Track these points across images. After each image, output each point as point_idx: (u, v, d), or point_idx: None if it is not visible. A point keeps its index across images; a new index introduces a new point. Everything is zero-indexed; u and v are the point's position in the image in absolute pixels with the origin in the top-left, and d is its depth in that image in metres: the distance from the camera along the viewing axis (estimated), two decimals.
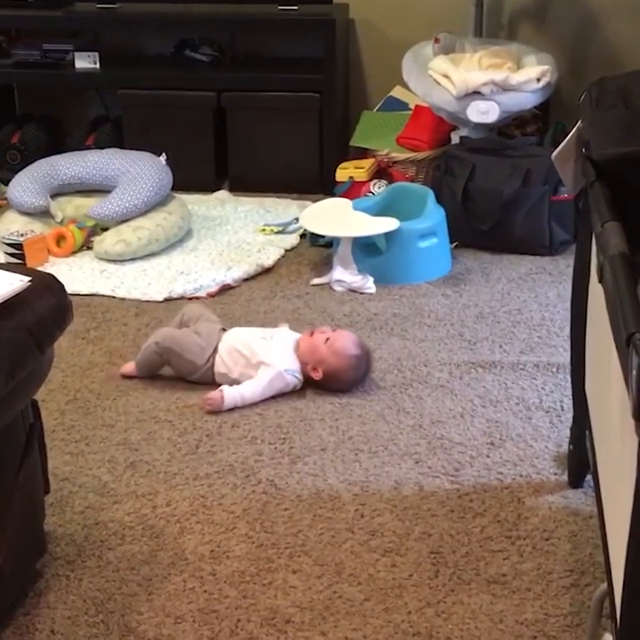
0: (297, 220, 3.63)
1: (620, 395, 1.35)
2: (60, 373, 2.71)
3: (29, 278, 1.73)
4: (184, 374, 2.65)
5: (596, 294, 1.71)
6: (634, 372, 1.12)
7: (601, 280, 1.43)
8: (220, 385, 2.59)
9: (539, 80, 3.64)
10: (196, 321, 2.73)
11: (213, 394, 2.52)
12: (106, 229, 3.52)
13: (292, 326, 2.92)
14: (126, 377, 2.68)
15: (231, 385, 2.58)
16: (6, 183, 3.72)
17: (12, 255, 3.37)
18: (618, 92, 1.81)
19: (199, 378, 2.64)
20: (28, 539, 1.90)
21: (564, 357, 2.57)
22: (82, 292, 3.19)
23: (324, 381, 2.61)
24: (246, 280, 3.32)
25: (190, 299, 3.17)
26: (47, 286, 1.81)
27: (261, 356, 2.59)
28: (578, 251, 2.07)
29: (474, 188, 3.48)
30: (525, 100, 3.66)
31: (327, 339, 2.62)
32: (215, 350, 2.63)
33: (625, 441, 1.30)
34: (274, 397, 2.57)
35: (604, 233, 1.46)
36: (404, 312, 3.07)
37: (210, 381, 2.63)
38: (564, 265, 3.34)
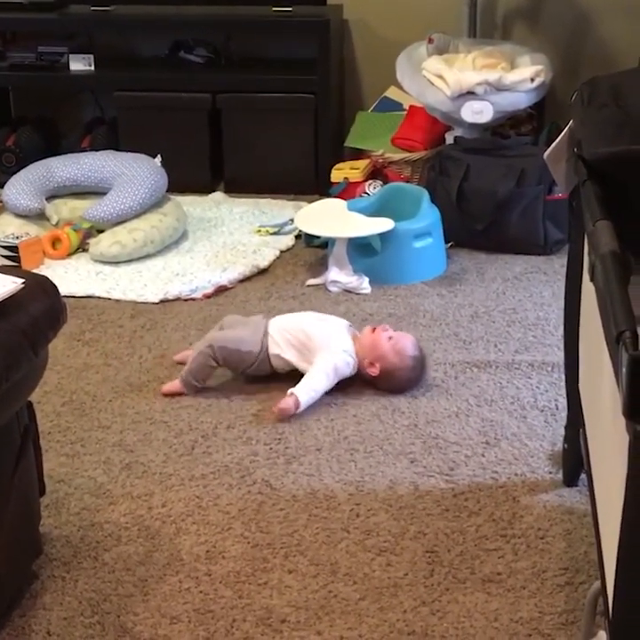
0: (292, 220, 3.64)
1: (611, 392, 1.36)
2: (56, 375, 2.71)
3: (23, 280, 1.73)
4: (242, 369, 2.62)
5: (589, 293, 1.71)
6: (624, 370, 1.12)
7: (592, 279, 1.44)
8: (276, 371, 2.61)
9: (533, 80, 3.65)
10: (233, 323, 2.73)
11: (285, 401, 2.47)
12: (101, 231, 3.52)
13: None
14: (169, 395, 2.60)
15: (285, 367, 2.60)
16: (1, 186, 3.73)
17: (7, 257, 3.38)
18: (609, 91, 1.81)
19: (257, 368, 2.60)
20: (23, 540, 1.90)
21: (559, 356, 2.57)
22: (77, 294, 3.19)
23: (378, 379, 2.60)
24: (242, 281, 3.32)
25: (186, 300, 3.18)
26: (41, 288, 1.81)
27: (318, 337, 2.59)
28: (571, 250, 2.07)
29: (468, 188, 3.48)
30: (519, 100, 3.67)
31: (390, 337, 2.62)
32: (266, 333, 2.61)
33: (616, 439, 1.31)
34: (269, 396, 2.58)
35: (595, 232, 1.47)
36: (400, 312, 3.08)
37: (267, 369, 2.61)
38: (559, 264, 3.35)
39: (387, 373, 2.60)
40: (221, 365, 2.61)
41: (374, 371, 2.60)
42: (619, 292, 1.25)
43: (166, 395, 2.61)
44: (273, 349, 2.61)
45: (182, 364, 2.69)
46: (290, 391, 2.50)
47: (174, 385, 2.62)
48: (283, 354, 2.61)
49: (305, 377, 2.54)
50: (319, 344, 2.59)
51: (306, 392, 2.50)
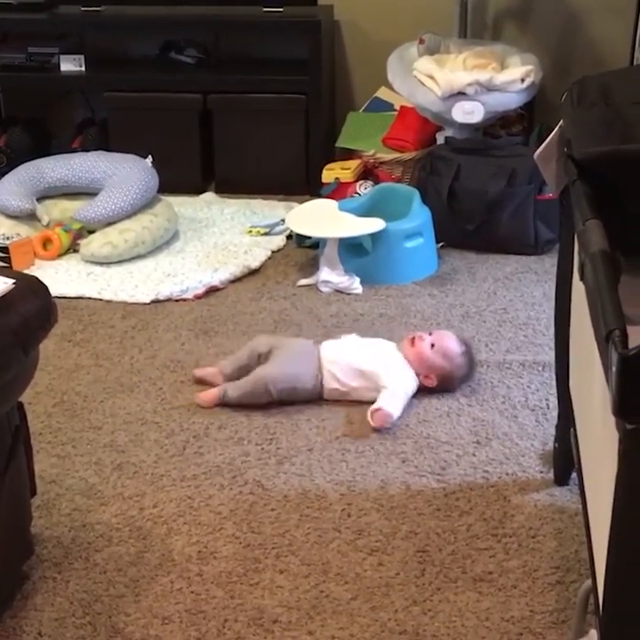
0: (283, 221, 3.63)
1: (601, 391, 1.36)
2: (47, 376, 2.71)
3: (13, 281, 1.73)
4: (294, 400, 2.56)
5: (579, 292, 1.72)
6: (613, 368, 1.13)
7: (582, 278, 1.44)
8: (326, 399, 2.56)
9: (523, 80, 3.66)
10: (277, 348, 2.61)
11: (379, 416, 2.42)
12: (92, 232, 3.52)
13: (279, 327, 2.94)
14: (207, 407, 2.55)
15: (339, 398, 2.55)
16: None
17: None
18: (599, 91, 1.82)
19: (308, 398, 2.56)
20: (14, 541, 1.90)
21: (550, 356, 2.57)
22: (68, 295, 3.19)
23: (437, 386, 2.59)
24: (233, 282, 3.32)
25: (177, 300, 3.17)
26: (32, 289, 1.81)
27: (382, 372, 2.53)
28: (561, 249, 2.08)
29: (459, 188, 3.48)
30: (510, 100, 3.68)
31: (432, 344, 2.58)
32: (320, 366, 2.56)
33: (606, 437, 1.31)
34: None
35: (585, 231, 1.47)
36: (391, 312, 3.08)
37: (317, 398, 2.57)
38: (550, 264, 3.35)
39: (443, 379, 2.58)
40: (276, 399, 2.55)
41: (431, 382, 2.58)
42: (608, 292, 1.26)
43: (205, 407, 2.54)
44: (329, 384, 2.56)
45: (203, 382, 2.64)
46: (380, 406, 2.43)
47: (212, 396, 2.56)
48: (342, 388, 2.56)
49: (382, 395, 2.48)
50: (381, 374, 2.53)
51: (398, 410, 2.46)
